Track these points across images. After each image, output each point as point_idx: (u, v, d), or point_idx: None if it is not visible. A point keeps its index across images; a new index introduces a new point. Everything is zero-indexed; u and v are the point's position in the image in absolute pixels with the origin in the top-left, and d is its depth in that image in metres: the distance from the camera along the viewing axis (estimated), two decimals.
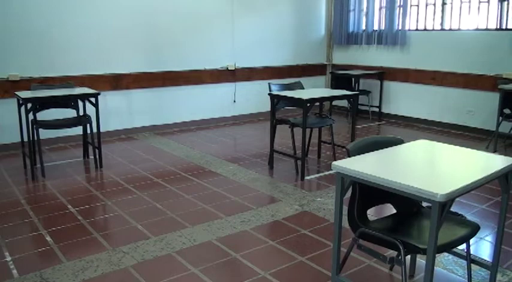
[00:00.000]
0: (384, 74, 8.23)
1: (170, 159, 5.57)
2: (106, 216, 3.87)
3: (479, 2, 6.94)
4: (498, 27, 6.76)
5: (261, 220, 3.76)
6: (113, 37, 6.46)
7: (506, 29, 6.64)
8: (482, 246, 3.40)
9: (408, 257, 2.98)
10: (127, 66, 6.67)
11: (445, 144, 2.77)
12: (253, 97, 8.06)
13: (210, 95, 7.64)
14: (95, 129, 5.16)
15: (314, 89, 5.64)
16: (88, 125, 5.19)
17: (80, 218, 3.79)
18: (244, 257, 3.14)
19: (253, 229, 3.59)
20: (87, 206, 4.05)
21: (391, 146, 2.65)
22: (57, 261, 3.06)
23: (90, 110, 5.14)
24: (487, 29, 6.88)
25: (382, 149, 2.58)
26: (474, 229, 2.38)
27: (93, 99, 5.04)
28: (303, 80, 6.13)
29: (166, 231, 3.53)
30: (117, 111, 6.67)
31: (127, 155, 5.71)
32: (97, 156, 5.20)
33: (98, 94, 5.04)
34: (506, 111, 6.04)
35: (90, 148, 5.43)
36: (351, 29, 8.72)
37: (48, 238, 3.42)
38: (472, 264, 2.66)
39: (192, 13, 7.17)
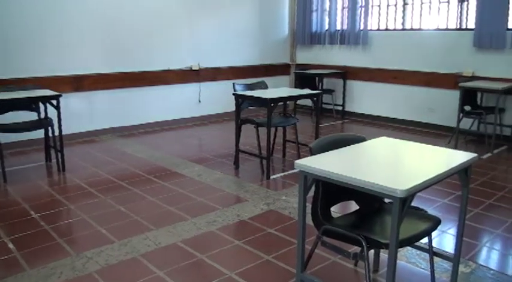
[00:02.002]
0: (346, 73, 8.33)
1: (134, 161, 5.50)
2: (69, 221, 3.79)
3: (440, 2, 7.10)
4: (458, 27, 6.93)
5: (226, 220, 3.75)
6: (74, 37, 6.33)
7: (466, 29, 6.81)
8: (445, 239, 3.49)
9: (372, 252, 3.03)
10: (89, 67, 6.55)
11: (407, 141, 2.82)
12: (218, 97, 8.04)
13: (175, 95, 7.58)
14: (56, 132, 5.06)
15: (278, 89, 5.66)
16: (50, 128, 5.09)
17: (43, 223, 3.71)
18: (210, 258, 3.13)
19: (219, 229, 3.58)
20: (50, 211, 3.96)
21: (353, 144, 2.68)
22: (20, 269, 2.98)
23: (52, 112, 5.04)
24: (447, 29, 7.05)
25: (344, 146, 2.61)
26: (435, 223, 2.43)
27: (54, 102, 4.94)
28: (268, 80, 6.15)
29: (130, 235, 3.48)
30: (79, 113, 6.55)
31: (90, 158, 5.61)
32: (59, 160, 5.10)
33: (60, 96, 4.94)
34: (467, 108, 6.19)
35: (53, 151, 5.32)
36: (314, 29, 8.79)
37: (10, 245, 3.33)
38: (435, 257, 2.71)
39: (154, 13, 7.10)
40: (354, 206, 2.74)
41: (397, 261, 3.09)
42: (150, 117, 7.36)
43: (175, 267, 3.00)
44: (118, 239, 3.42)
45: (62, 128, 5.07)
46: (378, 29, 7.96)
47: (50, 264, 3.03)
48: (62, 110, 5.04)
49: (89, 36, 6.48)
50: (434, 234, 3.52)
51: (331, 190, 2.46)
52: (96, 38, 6.56)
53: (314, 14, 8.74)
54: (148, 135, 6.91)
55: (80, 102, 6.56)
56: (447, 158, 2.48)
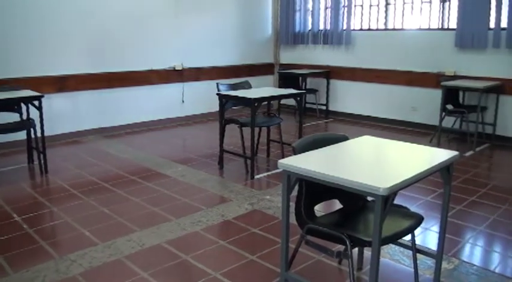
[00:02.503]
0: (330, 73, 8.37)
1: (118, 162, 5.47)
2: (52, 223, 3.75)
3: (422, 2, 7.16)
4: (440, 27, 7.00)
5: (211, 220, 3.75)
6: (57, 38, 6.26)
7: (448, 29, 6.88)
8: (429, 236, 3.53)
9: (356, 250, 3.05)
10: (72, 68, 6.49)
11: (389, 140, 2.84)
12: (201, 97, 8.02)
13: (158, 95, 7.55)
14: (39, 134, 5.00)
15: (262, 89, 5.66)
16: (32, 129, 5.04)
17: (25, 226, 3.66)
18: (195, 258, 3.13)
19: (203, 230, 3.57)
20: (33, 214, 3.92)
21: (335, 143, 2.69)
22: (3, 274, 2.94)
23: (35, 113, 4.98)
24: (429, 29, 7.12)
25: (327, 146, 2.62)
26: (418, 220, 2.45)
27: (36, 102, 4.89)
28: (251, 80, 6.15)
29: (114, 237, 3.46)
30: (62, 114, 6.49)
31: (73, 160, 5.56)
32: (42, 162, 5.05)
33: (42, 97, 4.89)
34: (449, 106, 6.26)
35: (35, 153, 5.26)
36: (297, 29, 8.82)
37: None
38: (419, 254, 2.74)
39: (138, 13, 7.06)
40: (337, 205, 2.76)
41: (381, 259, 3.10)
42: (134, 118, 7.32)
43: (160, 268, 2.99)
44: (102, 240, 3.40)
45: (46, 129, 5.02)
46: (361, 29, 8.00)
47: (33, 268, 3.00)
48: (45, 111, 5.00)
49: (72, 37, 6.42)
50: (417, 231, 3.54)
51: (315, 189, 2.47)
52: (80, 38, 6.51)
53: (297, 14, 8.76)
54: (133, 136, 6.87)
55: (64, 103, 6.50)
56: (429, 156, 2.50)
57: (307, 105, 8.71)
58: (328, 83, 8.41)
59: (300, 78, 8.21)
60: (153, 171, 5.09)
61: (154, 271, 2.95)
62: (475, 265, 3.07)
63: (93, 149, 6.07)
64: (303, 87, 8.12)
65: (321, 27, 8.47)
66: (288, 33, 8.92)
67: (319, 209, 3.80)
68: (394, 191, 1.98)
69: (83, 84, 6.63)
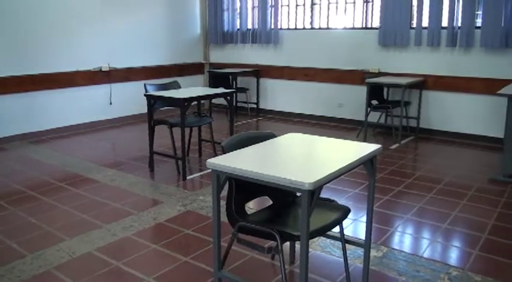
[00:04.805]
0: (259, 72, 8.46)
1: (45, 168, 5.27)
2: None
3: (346, 2, 7.37)
4: (364, 26, 7.23)
5: (143, 224, 3.69)
6: None
7: (371, 28, 7.13)
8: (359, 227, 3.66)
9: (288, 244, 3.10)
10: None
11: (315, 136, 2.90)
12: (130, 98, 7.87)
13: (85, 97, 7.33)
14: None
15: (191, 88, 5.63)
16: None
17: None
18: (127, 264, 3.07)
19: (135, 235, 3.51)
20: None
21: (263, 141, 2.72)
22: None
23: None
24: (353, 28, 7.34)
25: (255, 144, 2.65)
26: (345, 212, 2.53)
27: None
28: (181, 80, 6.11)
29: (43, 247, 3.33)
30: None
31: None
32: None
33: None
34: (374, 102, 6.48)
35: None
36: (225, 28, 8.83)
37: None
38: (349, 244, 2.82)
39: (60, 12, 6.82)
40: (268, 202, 2.79)
41: (312, 251, 3.19)
42: (60, 122, 7.07)
43: (91, 277, 2.91)
44: (30, 252, 3.26)
45: None
46: (288, 28, 8.13)
47: None
48: None
49: None
50: (347, 223, 3.66)
51: (245, 187, 2.49)
52: (0, 39, 6.23)
53: (225, 13, 8.77)
54: (59, 141, 6.64)
55: None
56: (353, 150, 2.58)
57: (239, 104, 8.76)
58: (258, 82, 8.49)
59: (230, 77, 8.23)
60: (81, 177, 4.95)
61: (85, 280, 2.87)
62: (403, 251, 3.21)
63: (18, 156, 5.81)
64: (234, 86, 8.15)
65: (249, 26, 8.53)
66: (216, 32, 8.92)
67: (251, 207, 3.85)
68: (319, 185, 2.03)
69: (5, 88, 6.33)
